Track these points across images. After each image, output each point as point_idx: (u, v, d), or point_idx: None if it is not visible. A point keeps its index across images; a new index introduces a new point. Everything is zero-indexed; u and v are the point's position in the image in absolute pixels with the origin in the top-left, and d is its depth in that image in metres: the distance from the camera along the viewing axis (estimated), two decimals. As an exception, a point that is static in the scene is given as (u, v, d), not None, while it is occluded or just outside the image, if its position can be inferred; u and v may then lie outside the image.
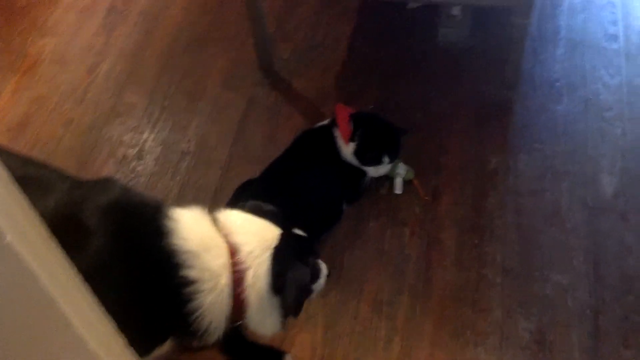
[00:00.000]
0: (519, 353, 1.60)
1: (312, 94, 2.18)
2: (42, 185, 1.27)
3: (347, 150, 1.83)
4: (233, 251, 1.26)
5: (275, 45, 2.28)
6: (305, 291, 1.35)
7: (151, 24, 2.43)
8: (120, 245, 1.21)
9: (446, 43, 2.27)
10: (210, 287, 1.23)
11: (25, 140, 2.11)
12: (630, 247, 1.77)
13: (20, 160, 1.37)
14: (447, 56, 2.24)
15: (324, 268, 1.43)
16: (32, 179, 1.28)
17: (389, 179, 1.91)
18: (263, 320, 1.32)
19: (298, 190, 1.75)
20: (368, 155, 1.83)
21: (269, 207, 1.41)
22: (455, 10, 2.23)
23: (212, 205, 1.40)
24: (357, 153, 1.83)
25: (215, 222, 1.31)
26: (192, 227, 1.26)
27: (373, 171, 1.87)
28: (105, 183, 1.31)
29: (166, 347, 1.31)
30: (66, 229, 1.13)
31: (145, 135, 2.10)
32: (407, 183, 1.91)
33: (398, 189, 1.90)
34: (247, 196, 1.59)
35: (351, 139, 1.82)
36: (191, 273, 1.21)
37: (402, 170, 1.90)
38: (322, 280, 1.42)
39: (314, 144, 1.89)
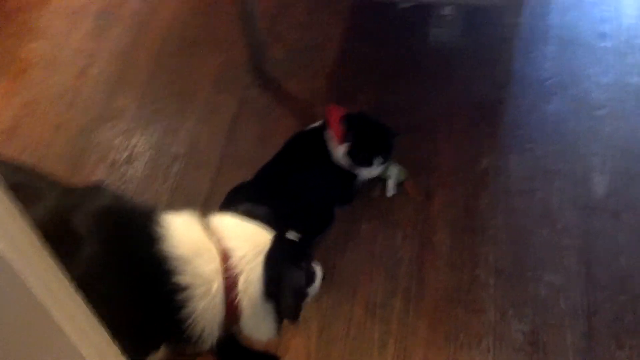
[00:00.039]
0: (513, 355, 1.60)
1: (304, 95, 2.17)
2: (32, 192, 1.26)
3: (339, 151, 1.83)
4: (225, 256, 1.26)
5: (267, 46, 2.27)
6: (300, 295, 1.35)
7: (141, 27, 2.42)
8: (112, 252, 1.21)
9: (437, 43, 2.27)
10: (202, 292, 1.22)
11: (15, 145, 2.09)
12: (622, 246, 1.77)
13: (11, 167, 1.36)
14: (438, 56, 2.24)
15: (319, 271, 1.43)
16: (23, 186, 1.27)
17: (381, 180, 1.91)
18: (257, 325, 1.31)
19: (290, 193, 1.75)
20: (360, 156, 1.83)
21: (261, 210, 1.40)
22: (447, 10, 2.24)
23: (203, 209, 1.38)
24: (349, 154, 1.82)
25: (206, 226, 1.31)
26: (183, 232, 1.26)
27: (365, 173, 1.87)
28: (96, 190, 1.31)
29: (160, 353, 1.31)
30: (58, 236, 1.11)
31: (135, 139, 2.09)
32: (399, 185, 1.91)
33: (390, 191, 1.90)
34: (240, 199, 1.58)
35: (343, 140, 1.82)
36: (183, 279, 1.21)
37: (394, 172, 1.90)
38: (317, 283, 1.42)
39: (306, 147, 1.88)
